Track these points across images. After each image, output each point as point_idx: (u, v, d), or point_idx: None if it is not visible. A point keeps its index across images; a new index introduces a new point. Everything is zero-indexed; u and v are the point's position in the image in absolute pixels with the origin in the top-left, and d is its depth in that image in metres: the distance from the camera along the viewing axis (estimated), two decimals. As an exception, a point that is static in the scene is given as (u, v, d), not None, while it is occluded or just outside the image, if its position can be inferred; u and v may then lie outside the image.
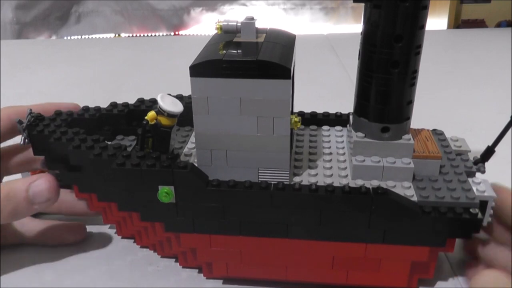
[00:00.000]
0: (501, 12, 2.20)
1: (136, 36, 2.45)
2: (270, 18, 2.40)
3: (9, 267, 0.70)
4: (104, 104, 0.79)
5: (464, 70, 1.60)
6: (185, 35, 2.39)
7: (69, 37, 2.40)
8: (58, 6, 2.36)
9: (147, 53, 1.84)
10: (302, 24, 2.43)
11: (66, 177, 0.69)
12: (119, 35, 2.45)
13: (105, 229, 0.78)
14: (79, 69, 1.66)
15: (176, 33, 2.47)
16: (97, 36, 2.42)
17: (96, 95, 1.34)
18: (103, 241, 0.76)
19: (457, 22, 2.22)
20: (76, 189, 0.70)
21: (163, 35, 2.46)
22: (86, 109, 0.76)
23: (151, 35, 2.46)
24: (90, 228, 0.78)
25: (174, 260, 0.71)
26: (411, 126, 0.67)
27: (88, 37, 2.40)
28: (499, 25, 2.22)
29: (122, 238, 0.76)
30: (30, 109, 0.70)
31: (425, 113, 1.22)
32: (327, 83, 1.16)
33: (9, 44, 1.99)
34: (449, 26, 2.21)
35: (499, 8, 2.19)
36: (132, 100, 0.78)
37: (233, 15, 2.32)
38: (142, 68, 1.64)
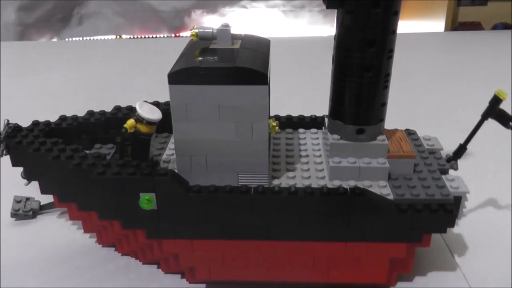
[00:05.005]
0: (497, 15, 2.25)
1: (137, 37, 2.46)
2: (270, 20, 2.43)
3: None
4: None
5: (461, 72, 1.64)
6: (186, 37, 2.41)
7: (71, 39, 2.40)
8: (60, 8, 2.37)
9: (148, 55, 1.87)
10: (302, 26, 2.47)
11: (45, 188, 0.69)
12: (120, 36, 2.45)
13: (85, 238, 0.78)
14: (81, 70, 1.68)
15: (177, 34, 2.49)
16: (99, 37, 2.43)
17: (98, 96, 1.36)
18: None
19: (454, 25, 2.26)
20: (55, 199, 0.70)
21: (164, 36, 2.48)
22: (63, 118, 0.76)
23: (152, 37, 2.47)
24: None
25: (156, 266, 0.71)
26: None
27: (90, 39, 2.40)
28: (495, 27, 2.27)
29: (102, 246, 0.76)
30: (7, 120, 0.70)
31: (422, 114, 1.26)
32: (328, 84, 1.19)
33: (11, 46, 2.01)
34: (446, 29, 2.26)
35: (495, 10, 2.24)
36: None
37: (234, 17, 2.35)
38: (144, 70, 1.67)
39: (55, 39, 2.41)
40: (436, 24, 2.28)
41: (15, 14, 2.30)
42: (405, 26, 2.45)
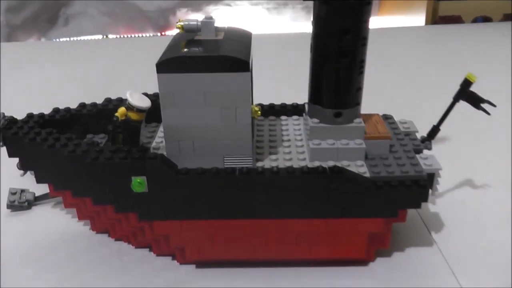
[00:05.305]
0: (477, 8, 2.29)
1: (123, 37, 2.48)
2: (254, 18, 2.47)
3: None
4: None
5: (441, 63, 1.69)
6: (172, 35, 2.44)
7: (58, 39, 2.42)
8: (46, 9, 2.38)
9: (134, 53, 1.90)
10: (285, 23, 2.51)
11: (41, 177, 0.72)
12: (106, 36, 2.47)
13: (79, 226, 0.81)
14: (68, 70, 1.71)
15: (163, 33, 2.51)
16: (85, 37, 2.45)
17: (87, 93, 1.38)
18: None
19: (435, 19, 2.30)
20: (50, 188, 0.73)
21: (149, 35, 2.50)
22: (56, 110, 0.79)
23: (138, 36, 2.49)
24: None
25: (148, 250, 0.75)
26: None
27: (77, 39, 2.42)
28: (475, 20, 2.31)
29: (96, 233, 0.79)
30: (3, 113, 0.73)
31: (403, 102, 1.30)
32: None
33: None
34: (427, 23, 2.29)
35: (474, 4, 2.28)
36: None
37: (218, 15, 2.38)
38: (130, 68, 1.70)
39: (42, 40, 2.43)
40: (417, 19, 2.32)
41: (3, 15, 2.31)
42: (386, 21, 2.49)
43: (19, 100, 1.40)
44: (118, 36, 2.48)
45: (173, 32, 2.45)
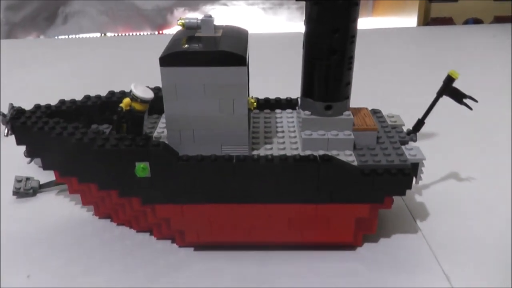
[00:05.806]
0: (468, 10, 2.35)
1: (121, 35, 2.53)
2: (250, 17, 2.53)
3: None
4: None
5: (432, 62, 1.74)
6: (169, 34, 2.47)
7: (57, 37, 2.46)
8: (45, 7, 2.43)
9: (132, 52, 1.94)
10: (280, 23, 2.57)
11: (47, 164, 0.76)
12: (105, 34, 2.51)
13: (83, 212, 0.85)
14: (67, 67, 1.75)
15: (160, 32, 2.56)
16: (84, 35, 2.49)
17: (84, 91, 1.41)
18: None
19: (426, 20, 2.36)
20: (56, 174, 0.77)
21: (147, 34, 2.55)
22: (62, 101, 0.83)
23: (136, 34, 2.54)
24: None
25: (149, 234, 0.79)
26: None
27: (75, 37, 2.46)
28: (466, 22, 2.37)
29: (99, 218, 0.83)
30: (11, 104, 0.78)
31: (393, 99, 1.34)
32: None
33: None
34: (418, 24, 2.35)
35: (466, 6, 2.34)
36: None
37: (215, 14, 2.41)
38: (128, 65, 1.75)
39: (41, 37, 2.46)
40: (409, 20, 2.37)
41: (2, 13, 2.34)
42: (379, 21, 2.54)
43: (18, 95, 1.43)
44: (116, 34, 2.52)
45: (171, 30, 2.51)
